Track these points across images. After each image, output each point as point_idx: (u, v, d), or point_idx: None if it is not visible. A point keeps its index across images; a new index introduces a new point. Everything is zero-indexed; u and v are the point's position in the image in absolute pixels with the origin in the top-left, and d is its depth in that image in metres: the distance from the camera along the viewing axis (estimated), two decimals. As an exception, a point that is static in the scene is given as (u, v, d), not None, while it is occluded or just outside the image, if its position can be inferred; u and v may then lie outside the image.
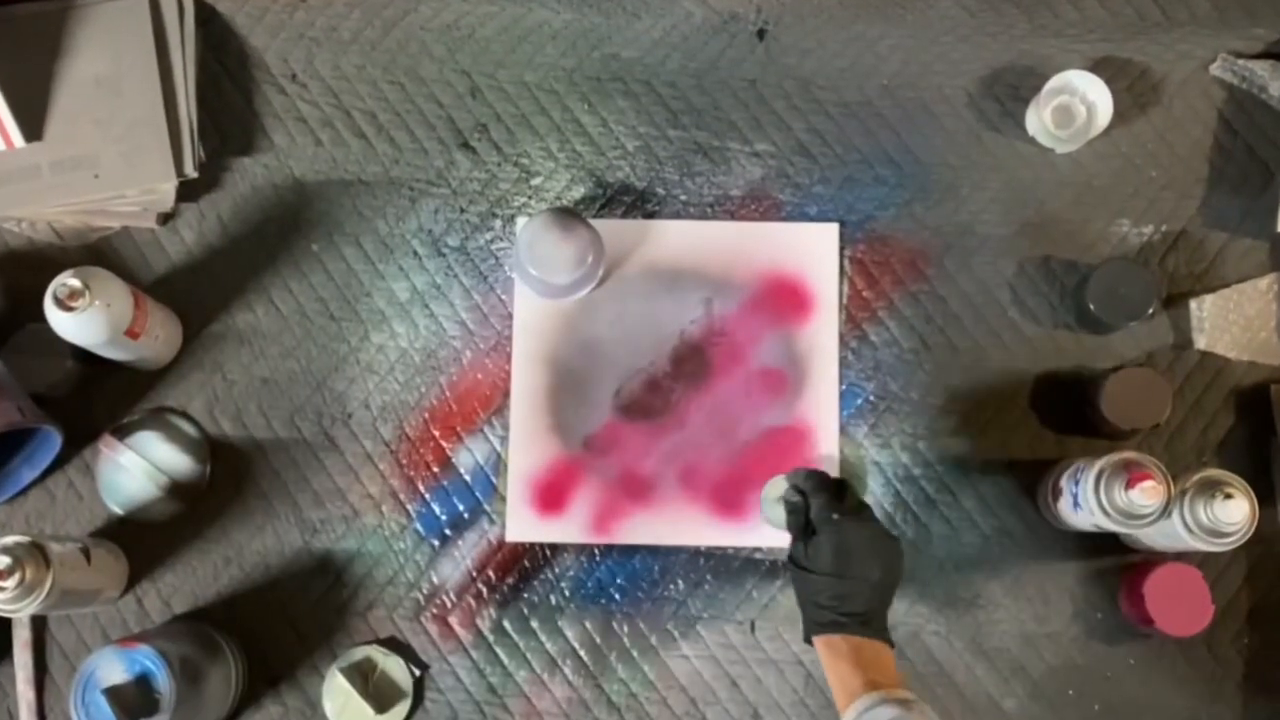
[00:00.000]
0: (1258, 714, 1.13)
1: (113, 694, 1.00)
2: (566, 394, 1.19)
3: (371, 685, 1.14)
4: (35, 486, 1.17)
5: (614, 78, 1.24)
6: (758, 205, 1.22)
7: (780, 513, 1.04)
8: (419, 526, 1.17)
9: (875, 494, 1.17)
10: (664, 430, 1.18)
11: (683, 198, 1.22)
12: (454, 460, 1.18)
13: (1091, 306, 1.14)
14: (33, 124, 1.20)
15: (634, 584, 1.16)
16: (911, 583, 1.15)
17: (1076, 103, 1.19)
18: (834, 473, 1.16)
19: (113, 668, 1.01)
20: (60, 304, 1.03)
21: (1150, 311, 1.14)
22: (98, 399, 1.18)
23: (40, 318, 1.06)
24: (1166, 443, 1.17)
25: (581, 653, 1.15)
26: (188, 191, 1.21)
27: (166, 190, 1.20)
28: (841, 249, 1.21)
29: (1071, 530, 1.13)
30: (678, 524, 1.17)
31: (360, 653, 1.14)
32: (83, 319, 1.04)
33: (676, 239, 1.21)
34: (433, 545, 1.17)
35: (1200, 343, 1.18)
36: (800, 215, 1.21)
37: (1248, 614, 1.14)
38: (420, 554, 1.17)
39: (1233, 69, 1.22)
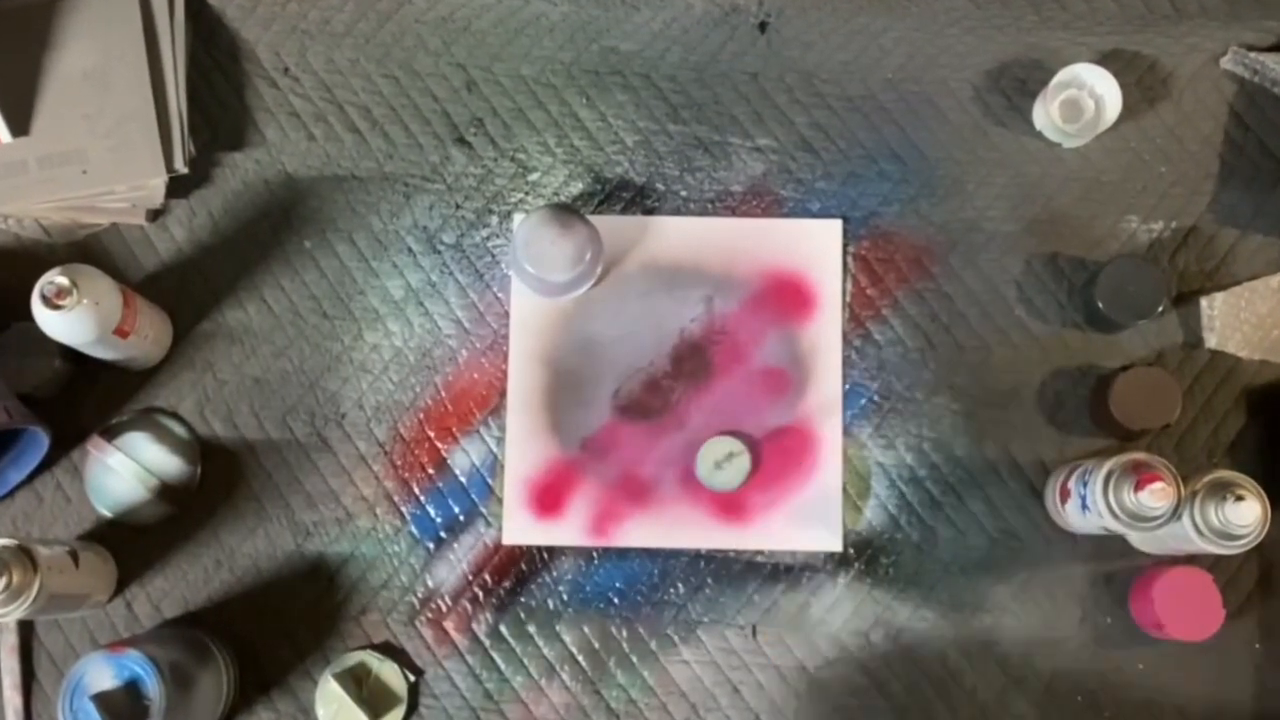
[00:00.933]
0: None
1: (101, 700, 0.99)
2: (564, 394, 1.17)
3: (365, 691, 1.13)
4: (22, 489, 1.16)
5: (613, 71, 1.23)
6: (759, 201, 1.20)
7: (720, 476, 1.03)
8: (414, 529, 1.16)
9: (880, 496, 1.16)
10: (664, 431, 1.17)
11: (683, 194, 1.21)
12: (449, 461, 1.17)
13: (1100, 305, 1.13)
14: (20, 119, 1.18)
15: (633, 588, 1.15)
16: (917, 587, 1.14)
17: (1085, 97, 1.18)
18: (837, 475, 1.15)
19: (101, 673, 1.00)
20: (48, 302, 1.02)
21: (1160, 310, 1.13)
22: (86, 399, 1.17)
23: (27, 316, 1.05)
24: (1176, 443, 1.15)
25: (580, 658, 1.14)
26: (178, 187, 1.20)
27: (156, 186, 1.19)
28: (845, 246, 1.19)
29: (1080, 533, 1.12)
30: (678, 526, 1.15)
31: (354, 658, 1.13)
32: (71, 317, 1.03)
33: (676, 236, 1.20)
34: (428, 548, 1.15)
35: (1211, 342, 1.16)
36: (803, 211, 1.20)
37: (1260, 618, 1.13)
38: (415, 557, 1.15)
39: (1244, 62, 1.20)
